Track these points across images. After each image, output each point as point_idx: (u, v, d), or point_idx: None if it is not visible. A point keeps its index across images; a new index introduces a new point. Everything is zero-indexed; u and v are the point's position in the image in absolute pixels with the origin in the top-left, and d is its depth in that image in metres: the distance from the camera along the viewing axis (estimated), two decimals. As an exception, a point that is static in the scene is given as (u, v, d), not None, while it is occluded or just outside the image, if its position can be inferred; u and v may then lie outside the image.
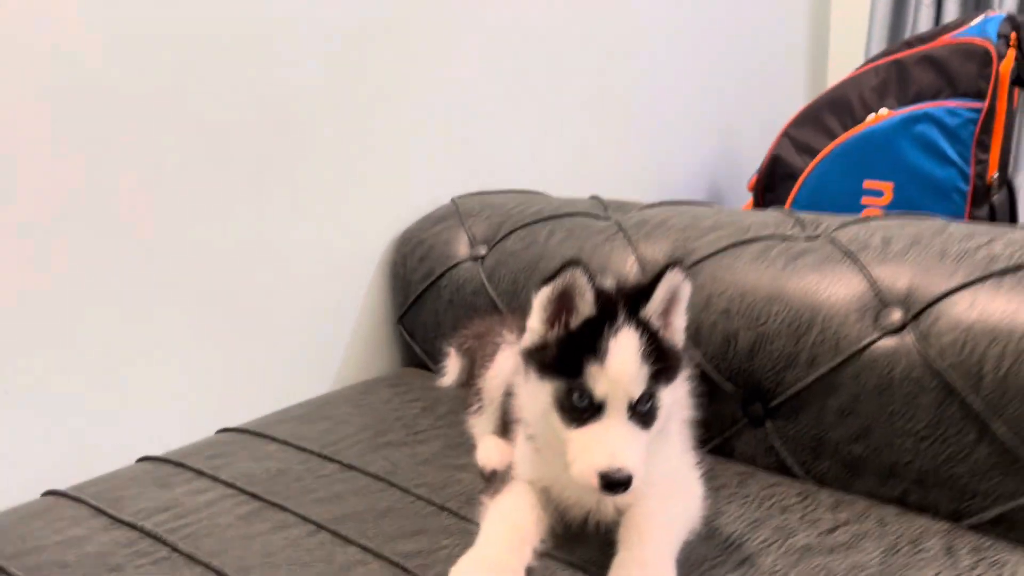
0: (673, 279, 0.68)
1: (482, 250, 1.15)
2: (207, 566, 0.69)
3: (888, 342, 0.80)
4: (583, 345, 0.66)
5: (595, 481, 0.64)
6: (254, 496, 0.82)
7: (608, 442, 0.65)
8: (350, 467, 0.88)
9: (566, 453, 0.66)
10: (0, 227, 0.84)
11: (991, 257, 0.79)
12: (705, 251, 0.96)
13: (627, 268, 1.01)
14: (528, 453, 0.75)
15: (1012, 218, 1.58)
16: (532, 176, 1.41)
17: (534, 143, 1.46)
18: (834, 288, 0.85)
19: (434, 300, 1.18)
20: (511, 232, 1.14)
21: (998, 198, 1.51)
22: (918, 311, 0.79)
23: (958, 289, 0.78)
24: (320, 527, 0.75)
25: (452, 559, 0.68)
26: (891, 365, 0.80)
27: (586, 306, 0.68)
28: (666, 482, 0.71)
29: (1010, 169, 1.57)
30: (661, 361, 0.66)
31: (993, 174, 1.46)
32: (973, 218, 1.47)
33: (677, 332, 0.71)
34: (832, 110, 1.57)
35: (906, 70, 1.49)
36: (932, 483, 0.79)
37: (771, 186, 1.66)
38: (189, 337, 1.02)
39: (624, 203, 1.16)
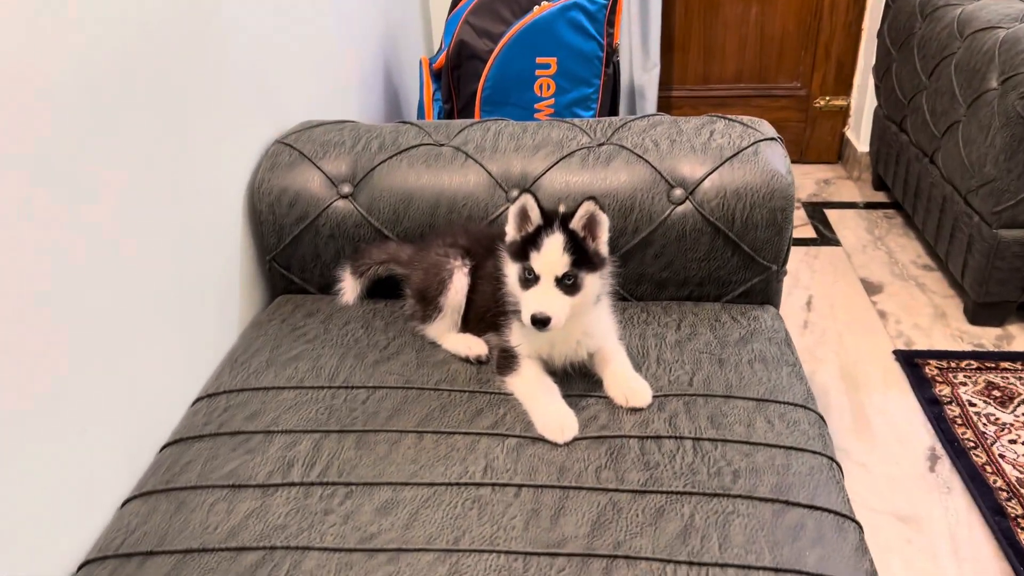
0: (587, 206, 1.09)
1: (346, 188, 1.39)
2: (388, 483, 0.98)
3: (679, 210, 1.33)
4: (532, 242, 1.07)
5: (528, 320, 1.06)
6: (342, 431, 1.07)
7: (538, 298, 1.07)
8: (376, 387, 1.16)
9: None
10: None
11: (720, 147, 1.35)
12: (542, 168, 1.36)
13: (483, 180, 1.37)
14: (524, 335, 1.14)
15: (617, 68, 2.21)
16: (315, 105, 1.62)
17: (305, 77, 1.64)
18: (639, 179, 1.34)
19: (312, 237, 1.39)
20: (372, 170, 1.39)
21: (615, 57, 2.11)
22: (692, 188, 1.33)
23: (710, 172, 1.32)
24: (421, 432, 1.07)
25: (519, 421, 1.08)
26: (683, 223, 1.33)
27: (535, 218, 1.08)
28: (609, 330, 1.18)
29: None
30: (582, 255, 1.08)
31: (616, 42, 2.05)
32: (605, 74, 2.06)
33: (602, 245, 1.12)
34: (503, 1, 1.97)
35: (556, -29, 1.95)
36: (707, 283, 1.37)
37: (459, 64, 2.04)
38: (124, 335, 1.09)
39: (435, 125, 1.48)
